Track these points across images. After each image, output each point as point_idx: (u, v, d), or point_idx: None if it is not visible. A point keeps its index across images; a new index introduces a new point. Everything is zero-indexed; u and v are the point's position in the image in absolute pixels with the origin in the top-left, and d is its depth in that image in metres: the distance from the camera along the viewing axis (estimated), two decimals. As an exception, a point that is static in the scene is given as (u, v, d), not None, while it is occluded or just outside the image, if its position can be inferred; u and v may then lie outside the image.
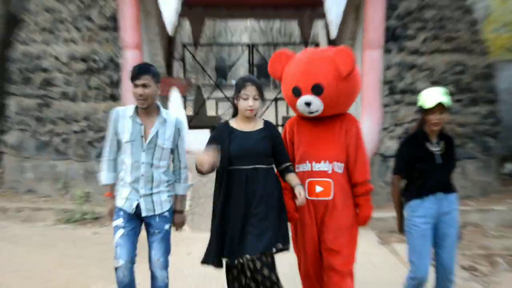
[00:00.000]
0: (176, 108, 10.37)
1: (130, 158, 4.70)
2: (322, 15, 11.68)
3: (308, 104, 4.84)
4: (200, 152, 4.55)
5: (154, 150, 4.72)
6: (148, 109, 4.71)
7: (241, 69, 29.10)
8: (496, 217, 9.42)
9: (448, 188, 4.97)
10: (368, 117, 9.71)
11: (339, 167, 4.87)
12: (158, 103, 4.84)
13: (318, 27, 16.55)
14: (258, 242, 4.53)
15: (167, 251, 4.85)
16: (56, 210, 9.64)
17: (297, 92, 4.88)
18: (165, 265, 4.84)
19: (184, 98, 13.70)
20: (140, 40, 10.11)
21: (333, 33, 9.98)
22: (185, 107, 12.37)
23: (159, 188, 4.78)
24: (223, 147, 4.65)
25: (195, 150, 4.86)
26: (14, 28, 12.35)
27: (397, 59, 10.16)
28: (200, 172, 4.58)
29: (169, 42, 13.17)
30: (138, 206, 4.73)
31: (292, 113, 19.13)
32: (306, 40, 16.85)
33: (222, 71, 32.32)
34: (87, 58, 10.36)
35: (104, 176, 4.83)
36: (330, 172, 4.85)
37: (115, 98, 10.16)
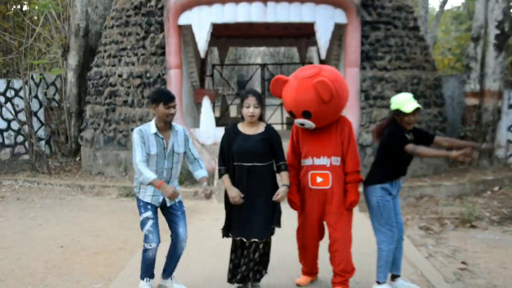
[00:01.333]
0: (207, 111, 10.29)
1: (155, 165, 4.55)
2: (314, 43, 11.67)
3: (302, 124, 4.68)
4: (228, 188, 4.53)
5: (173, 156, 4.62)
6: (167, 125, 4.59)
7: (256, 83, 29.02)
8: (445, 190, 9.41)
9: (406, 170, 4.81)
10: (350, 117, 9.59)
11: (336, 160, 4.65)
12: None
13: (312, 51, 16.63)
14: (265, 230, 4.45)
15: (186, 226, 4.76)
16: (118, 187, 9.59)
17: (292, 115, 4.70)
18: (186, 238, 4.76)
19: (213, 104, 13.64)
20: (181, 62, 10.01)
21: (323, 55, 9.95)
22: (213, 111, 12.28)
23: (174, 183, 4.70)
24: (229, 147, 4.53)
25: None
26: (91, 55, 12.40)
27: (370, 74, 10.15)
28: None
29: (202, 63, 13.11)
30: (163, 200, 4.65)
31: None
32: (303, 60, 16.87)
33: (241, 84, 32.15)
34: (142, 75, 10.30)
35: (150, 174, 4.40)
36: (328, 165, 4.63)
37: (162, 105, 10.06)
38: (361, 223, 7.16)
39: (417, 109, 4.50)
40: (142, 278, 4.71)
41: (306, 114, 4.55)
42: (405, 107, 4.50)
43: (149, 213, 4.58)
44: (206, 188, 4.64)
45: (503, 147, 11.65)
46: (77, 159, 12.35)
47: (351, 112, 9.69)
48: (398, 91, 10.03)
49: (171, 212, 4.70)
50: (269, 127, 4.60)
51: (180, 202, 4.73)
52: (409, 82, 10.36)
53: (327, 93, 4.41)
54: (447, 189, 9.43)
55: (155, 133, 4.54)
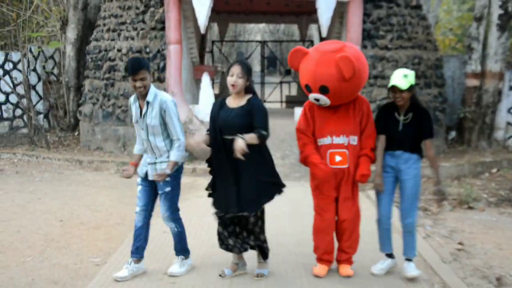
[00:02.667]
0: (206, 88, 10.26)
1: (139, 135, 4.61)
2: (315, 20, 11.57)
3: (317, 99, 4.52)
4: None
5: (147, 128, 4.47)
6: (143, 95, 4.44)
7: (255, 60, 28.85)
8: (443, 171, 9.38)
9: (407, 148, 4.58)
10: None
11: (354, 139, 4.56)
12: (152, 87, 4.47)
13: (312, 28, 16.47)
14: (254, 203, 4.38)
15: (171, 207, 4.59)
16: (117, 162, 9.61)
17: (308, 89, 4.54)
18: (171, 218, 4.63)
19: (213, 80, 13.58)
20: (180, 37, 9.94)
21: (324, 33, 9.90)
22: (213, 87, 12.24)
23: (161, 159, 4.53)
24: (213, 120, 4.44)
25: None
26: (90, 29, 12.29)
27: (371, 52, 10.10)
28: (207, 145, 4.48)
29: (202, 39, 13.02)
30: (145, 172, 4.61)
31: (293, 92, 18.95)
32: (304, 38, 16.77)
33: (241, 61, 32.08)
34: (141, 50, 10.24)
35: (135, 148, 4.68)
36: (346, 144, 4.54)
37: (161, 80, 10.05)
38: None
39: (395, 87, 4.40)
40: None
41: (324, 90, 4.40)
42: (390, 82, 4.49)
43: (139, 179, 4.65)
44: (159, 175, 4.43)
45: (503, 129, 11.66)
46: (76, 133, 12.33)
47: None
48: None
49: (156, 187, 4.62)
50: (252, 99, 4.38)
51: (165, 182, 4.50)
52: (410, 61, 10.30)
53: (350, 70, 4.28)
54: (445, 170, 9.45)
55: (134, 102, 4.55)
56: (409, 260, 4.70)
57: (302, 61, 4.58)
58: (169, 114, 4.43)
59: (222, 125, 4.36)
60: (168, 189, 4.54)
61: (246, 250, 4.62)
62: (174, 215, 4.64)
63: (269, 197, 4.48)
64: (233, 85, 4.32)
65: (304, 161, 4.65)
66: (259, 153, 4.38)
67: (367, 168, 4.53)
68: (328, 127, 4.57)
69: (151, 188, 4.61)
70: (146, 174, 4.59)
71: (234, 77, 4.31)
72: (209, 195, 4.64)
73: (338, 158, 4.55)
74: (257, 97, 4.46)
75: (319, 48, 4.55)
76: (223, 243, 4.60)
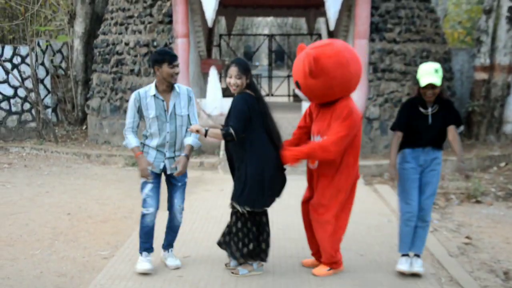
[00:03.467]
0: (213, 82, 10.26)
1: (157, 128, 4.43)
2: (323, 13, 11.50)
3: (298, 94, 4.61)
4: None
5: (175, 119, 4.45)
6: (169, 86, 4.43)
7: (262, 54, 28.80)
8: (451, 165, 9.35)
9: (435, 143, 4.54)
10: (358, 90, 9.35)
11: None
12: None
13: (320, 22, 16.42)
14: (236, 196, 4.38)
15: (184, 198, 4.66)
16: (124, 156, 9.64)
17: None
18: (183, 209, 4.69)
19: (220, 74, 13.58)
20: (188, 31, 9.94)
21: (331, 27, 9.87)
22: (220, 81, 12.24)
23: (179, 152, 4.53)
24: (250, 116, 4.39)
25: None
26: (97, 23, 12.32)
27: (379, 46, 10.06)
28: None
29: (209, 33, 13.00)
30: (164, 166, 4.53)
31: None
32: (311, 32, 16.74)
33: (248, 55, 32.04)
34: (148, 44, 10.25)
35: (132, 140, 4.45)
36: None
37: (168, 74, 10.04)
38: (366, 196, 7.20)
39: (431, 84, 4.36)
40: (140, 252, 4.57)
41: (297, 84, 4.49)
42: (421, 80, 4.41)
43: (150, 178, 4.46)
44: (177, 161, 4.45)
45: (511, 123, 11.58)
46: (84, 127, 12.39)
47: (359, 86, 9.61)
48: (407, 64, 10.09)
49: (171, 181, 4.59)
50: (238, 95, 4.35)
51: (184, 173, 4.54)
52: (419, 55, 10.25)
53: (306, 66, 4.24)
54: (453, 164, 9.39)
55: (154, 95, 4.41)
56: (417, 256, 4.64)
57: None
58: (193, 102, 4.54)
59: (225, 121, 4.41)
60: (186, 179, 4.62)
61: (234, 257, 4.55)
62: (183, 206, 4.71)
63: (240, 202, 4.35)
64: (232, 87, 4.33)
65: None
66: (248, 151, 4.32)
67: (302, 151, 4.34)
68: (314, 127, 4.56)
69: (159, 186, 4.57)
70: (161, 170, 4.52)
71: (233, 79, 4.30)
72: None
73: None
74: (247, 93, 4.34)
75: (309, 46, 4.56)
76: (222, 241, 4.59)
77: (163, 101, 4.43)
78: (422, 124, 4.51)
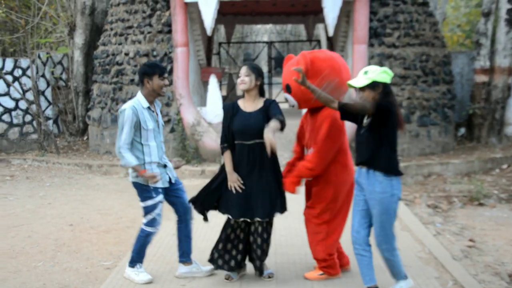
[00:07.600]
0: (214, 90, 10.27)
1: (154, 141, 4.45)
2: (322, 20, 11.54)
3: (286, 100, 4.59)
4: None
5: (160, 129, 4.57)
6: (156, 97, 4.53)
7: (262, 61, 28.82)
8: (453, 168, 9.37)
9: (369, 163, 3.89)
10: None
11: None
12: None
13: (319, 28, 16.47)
14: (268, 210, 4.31)
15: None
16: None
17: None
18: None
19: (220, 82, 13.61)
20: (187, 40, 9.95)
21: (330, 33, 9.88)
22: (220, 89, 12.26)
23: (166, 159, 4.63)
24: (229, 124, 4.37)
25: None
26: (97, 34, 12.37)
27: (378, 51, 10.09)
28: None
29: (208, 41, 13.03)
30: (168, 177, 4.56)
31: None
32: (311, 38, 16.77)
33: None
34: (148, 53, 10.28)
35: (131, 159, 4.32)
36: None
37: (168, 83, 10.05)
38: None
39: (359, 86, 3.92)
40: (133, 265, 4.54)
41: (288, 88, 4.47)
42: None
43: (161, 197, 4.47)
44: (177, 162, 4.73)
45: (512, 125, 11.57)
46: (85, 138, 12.40)
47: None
48: (407, 68, 10.13)
49: (172, 188, 4.57)
50: (268, 101, 4.40)
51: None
52: (418, 59, 10.26)
53: (303, 66, 4.23)
54: (455, 167, 9.40)
55: (148, 107, 4.43)
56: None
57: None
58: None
59: (243, 130, 4.32)
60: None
61: (262, 270, 4.59)
62: None
63: (283, 208, 4.47)
64: (241, 83, 4.34)
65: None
66: (275, 157, 4.41)
67: (295, 177, 4.45)
68: (307, 140, 4.58)
69: None
70: (168, 182, 4.54)
71: (242, 77, 4.35)
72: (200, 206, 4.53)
73: None
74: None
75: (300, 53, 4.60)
76: (225, 261, 4.54)
77: (153, 112, 4.50)
78: (359, 135, 4.11)
